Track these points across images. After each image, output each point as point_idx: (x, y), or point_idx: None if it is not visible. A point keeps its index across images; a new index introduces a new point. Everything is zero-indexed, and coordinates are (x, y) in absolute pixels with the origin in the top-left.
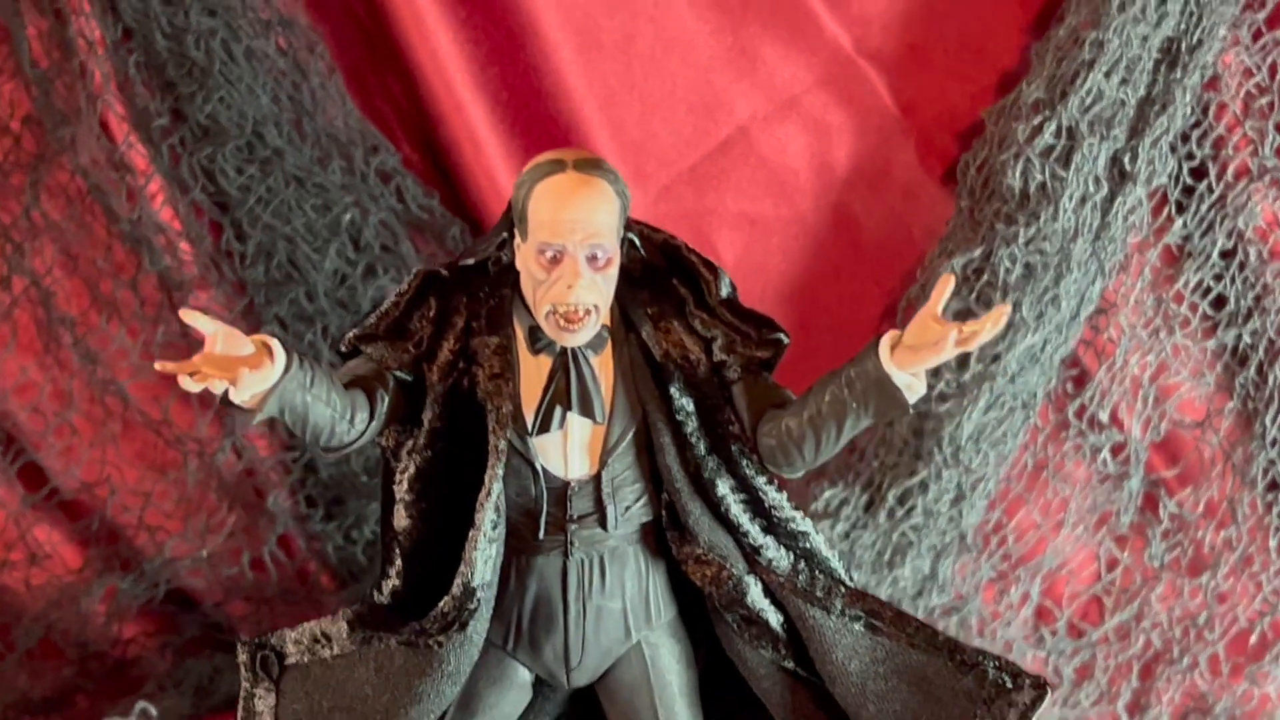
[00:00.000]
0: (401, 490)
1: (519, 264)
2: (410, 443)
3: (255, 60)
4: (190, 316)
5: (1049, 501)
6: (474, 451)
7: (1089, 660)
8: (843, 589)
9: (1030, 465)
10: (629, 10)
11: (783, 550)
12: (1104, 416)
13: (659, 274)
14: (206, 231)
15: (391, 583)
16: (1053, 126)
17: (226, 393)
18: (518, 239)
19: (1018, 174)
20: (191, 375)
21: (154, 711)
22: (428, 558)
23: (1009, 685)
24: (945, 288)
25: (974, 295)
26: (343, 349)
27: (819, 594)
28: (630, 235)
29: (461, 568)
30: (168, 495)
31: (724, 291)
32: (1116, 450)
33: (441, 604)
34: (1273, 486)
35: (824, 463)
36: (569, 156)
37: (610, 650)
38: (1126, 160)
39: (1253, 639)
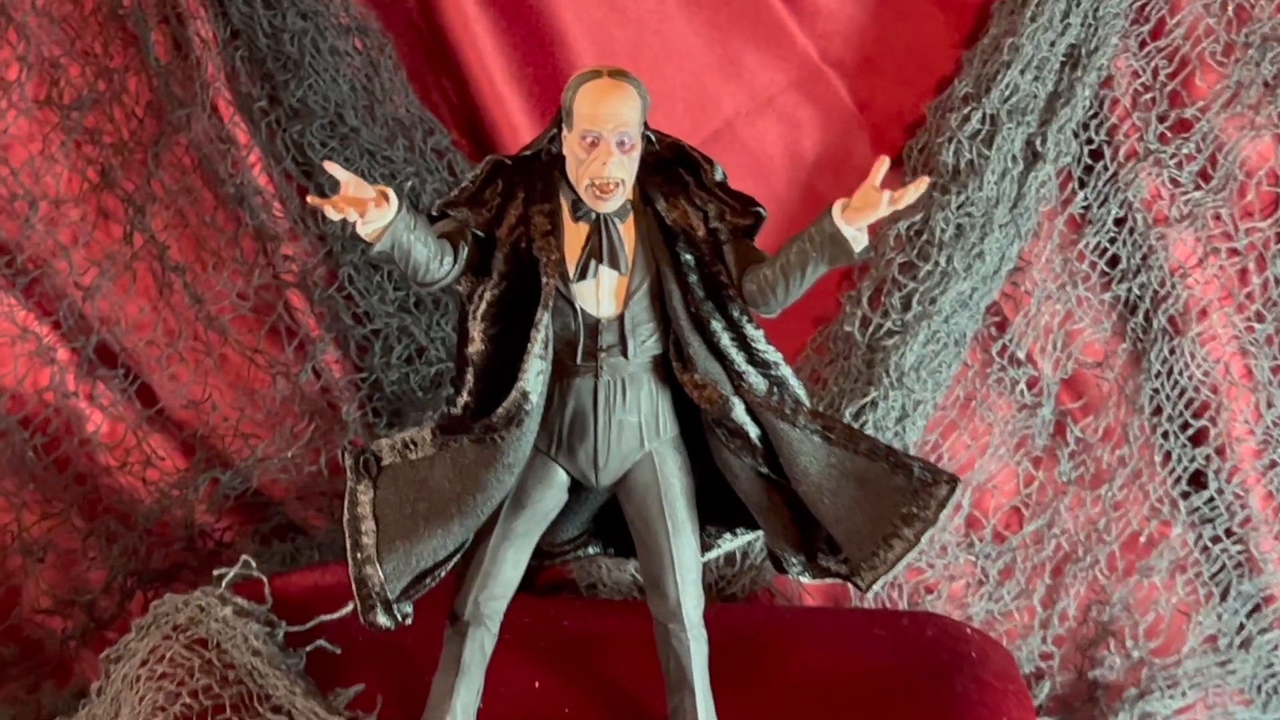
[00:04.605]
0: (475, 322)
1: (565, 150)
2: (482, 288)
3: (337, 56)
4: (332, 168)
5: (977, 427)
6: (530, 296)
7: (1010, 562)
8: (804, 408)
9: (961, 397)
10: (638, 25)
11: (760, 377)
12: (1021, 355)
13: (669, 165)
14: (295, 193)
15: (464, 399)
16: (978, 115)
17: (355, 226)
18: (565, 131)
19: (951, 153)
20: (333, 207)
21: (254, 563)
22: (493, 377)
23: (930, 480)
24: (880, 168)
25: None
26: (433, 214)
27: (787, 411)
28: (649, 133)
29: (519, 377)
30: (258, 410)
31: (718, 176)
32: (1031, 384)
33: (504, 404)
34: (1157, 412)
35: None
36: (604, 69)
37: (628, 456)
38: (1038, 143)
39: (1142, 539)
